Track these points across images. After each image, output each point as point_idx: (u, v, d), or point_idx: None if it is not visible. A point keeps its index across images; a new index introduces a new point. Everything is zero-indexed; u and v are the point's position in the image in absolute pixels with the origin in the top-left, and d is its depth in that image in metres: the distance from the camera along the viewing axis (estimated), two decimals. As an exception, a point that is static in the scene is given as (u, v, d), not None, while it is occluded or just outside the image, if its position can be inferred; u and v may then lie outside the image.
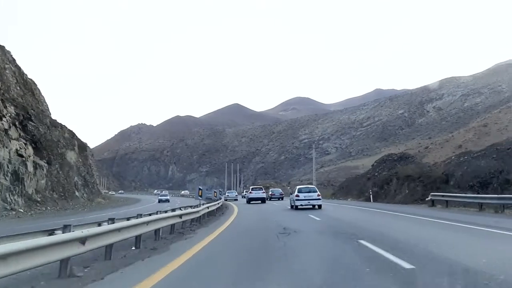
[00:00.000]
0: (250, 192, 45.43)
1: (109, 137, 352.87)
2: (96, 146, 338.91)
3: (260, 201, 41.83)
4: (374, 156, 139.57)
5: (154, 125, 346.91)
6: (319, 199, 26.50)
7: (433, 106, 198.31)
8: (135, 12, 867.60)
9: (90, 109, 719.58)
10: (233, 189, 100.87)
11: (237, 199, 55.82)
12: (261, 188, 48.69)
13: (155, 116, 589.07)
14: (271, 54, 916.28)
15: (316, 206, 26.09)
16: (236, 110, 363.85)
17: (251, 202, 41.80)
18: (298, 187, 29.60)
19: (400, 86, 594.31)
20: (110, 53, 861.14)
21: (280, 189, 58.00)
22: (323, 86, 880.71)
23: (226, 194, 58.98)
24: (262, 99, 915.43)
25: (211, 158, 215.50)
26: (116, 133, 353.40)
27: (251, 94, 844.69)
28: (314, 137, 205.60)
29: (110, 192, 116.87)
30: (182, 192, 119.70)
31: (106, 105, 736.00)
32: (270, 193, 52.41)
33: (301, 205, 26.10)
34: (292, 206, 27.47)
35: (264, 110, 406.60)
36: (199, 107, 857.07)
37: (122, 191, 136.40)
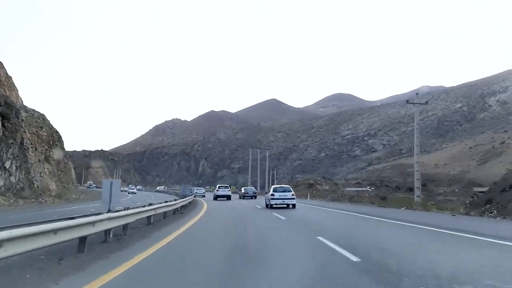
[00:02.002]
0: (217, 190, 47.06)
1: (143, 132, 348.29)
2: (131, 141, 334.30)
3: (225, 198, 44.24)
4: (434, 153, 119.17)
5: (189, 120, 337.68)
6: (293, 198, 26.83)
7: (497, 100, 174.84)
8: (175, 7, 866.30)
9: (127, 104, 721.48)
10: (268, 188, 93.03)
11: (204, 196, 57.04)
12: (227, 186, 51.29)
13: (190, 111, 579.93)
14: (311, 49, 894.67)
15: (291, 206, 26.43)
16: (273, 106, 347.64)
17: (218, 199, 43.76)
18: (273, 186, 30.05)
19: (449, 83, 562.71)
20: (149, 49, 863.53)
21: (253, 188, 56.98)
22: (366, 82, 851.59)
23: (195, 191, 59.12)
24: (301, 95, 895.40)
25: (244, 154, 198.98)
26: (151, 127, 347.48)
27: (290, 90, 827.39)
28: (359, 133, 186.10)
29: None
30: (158, 187, 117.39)
31: (144, 100, 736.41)
32: (243, 191, 51.99)
33: (276, 204, 26.37)
34: (267, 205, 27.57)
35: (302, 106, 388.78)
36: (236, 102, 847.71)
37: (135, 186, 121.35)
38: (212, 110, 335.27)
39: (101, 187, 59.15)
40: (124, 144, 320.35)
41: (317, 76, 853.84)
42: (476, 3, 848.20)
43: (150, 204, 16.09)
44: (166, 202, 18.93)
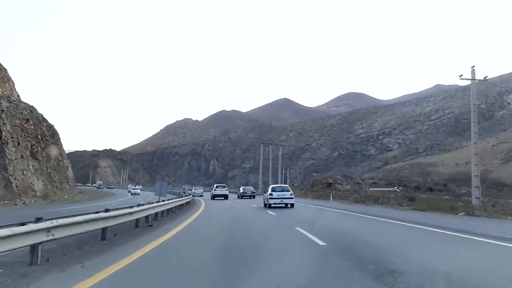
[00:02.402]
0: (215, 190, 47.48)
1: (155, 132, 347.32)
2: (143, 140, 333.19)
3: (223, 197, 44.91)
4: (455, 151, 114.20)
5: (200, 120, 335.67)
6: (292, 198, 26.88)
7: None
8: (186, 7, 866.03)
9: (139, 105, 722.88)
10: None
11: (202, 195, 56.96)
12: (225, 186, 51.91)
13: (201, 111, 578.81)
14: (322, 48, 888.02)
15: (289, 205, 26.51)
16: (285, 105, 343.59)
17: (215, 198, 44.58)
18: (271, 186, 29.69)
19: (463, 81, 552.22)
20: (161, 50, 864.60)
21: (252, 188, 56.22)
22: (378, 81, 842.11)
23: (193, 190, 59.98)
24: (312, 95, 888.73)
25: (255, 154, 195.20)
26: (162, 127, 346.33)
27: (301, 90, 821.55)
28: (373, 132, 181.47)
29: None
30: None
31: (156, 100, 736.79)
32: (241, 191, 51.09)
33: (274, 203, 26.44)
34: (265, 205, 27.62)
35: (314, 106, 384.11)
36: (247, 102, 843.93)
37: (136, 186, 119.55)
38: (223, 110, 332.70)
39: (112, 188, 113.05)
40: (135, 144, 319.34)
41: (328, 75, 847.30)
42: (488, 0, 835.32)
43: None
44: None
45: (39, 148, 34.80)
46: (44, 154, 35.45)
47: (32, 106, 38.94)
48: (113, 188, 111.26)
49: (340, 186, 47.56)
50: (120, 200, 40.33)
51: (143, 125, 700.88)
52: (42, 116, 39.96)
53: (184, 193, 40.03)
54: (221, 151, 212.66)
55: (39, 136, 35.60)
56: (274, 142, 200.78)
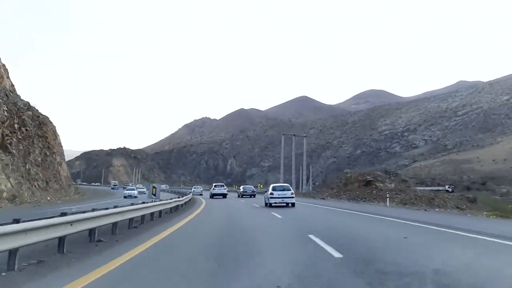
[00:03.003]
0: (213, 189, 48.49)
1: (173, 131, 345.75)
2: (161, 140, 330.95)
3: (221, 196, 45.59)
4: (489, 147, 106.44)
5: (218, 118, 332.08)
6: (293, 197, 26.67)
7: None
8: (204, 6, 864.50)
9: (159, 105, 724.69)
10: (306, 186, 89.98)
11: (202, 194, 58.18)
12: (223, 185, 53.21)
13: (220, 110, 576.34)
14: (342, 46, 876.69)
15: (290, 204, 26.34)
16: (304, 103, 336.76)
17: (214, 197, 45.26)
18: (272, 185, 29.66)
19: (486, 77, 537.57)
20: (181, 51, 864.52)
21: (252, 187, 56.35)
22: (398, 79, 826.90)
23: (193, 189, 62.10)
24: (332, 92, 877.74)
25: (275, 152, 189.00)
26: (180, 126, 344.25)
27: (321, 87, 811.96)
28: (397, 129, 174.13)
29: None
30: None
31: (175, 100, 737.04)
32: (242, 190, 51.60)
33: (275, 202, 26.18)
34: (266, 204, 27.55)
35: (334, 103, 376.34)
36: (265, 100, 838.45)
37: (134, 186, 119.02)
38: (242, 108, 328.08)
39: (129, 188, 65.19)
40: (153, 144, 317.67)
41: (348, 73, 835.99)
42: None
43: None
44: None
45: (13, 139, 29.34)
46: (21, 147, 29.94)
47: (15, 91, 33.85)
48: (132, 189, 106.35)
49: (381, 185, 39.20)
50: (115, 201, 35.30)
51: (161, 125, 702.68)
52: (28, 104, 34.79)
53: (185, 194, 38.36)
54: (239, 150, 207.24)
55: (16, 126, 30.09)
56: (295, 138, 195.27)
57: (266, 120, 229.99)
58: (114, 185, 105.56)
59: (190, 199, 31.44)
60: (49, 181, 33.69)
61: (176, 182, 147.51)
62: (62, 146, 46.80)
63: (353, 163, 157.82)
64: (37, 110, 38.17)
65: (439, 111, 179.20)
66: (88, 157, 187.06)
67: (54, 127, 43.89)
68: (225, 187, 51.40)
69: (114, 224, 10.62)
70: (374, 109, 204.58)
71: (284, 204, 26.35)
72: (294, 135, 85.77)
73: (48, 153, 36.25)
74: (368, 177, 42.07)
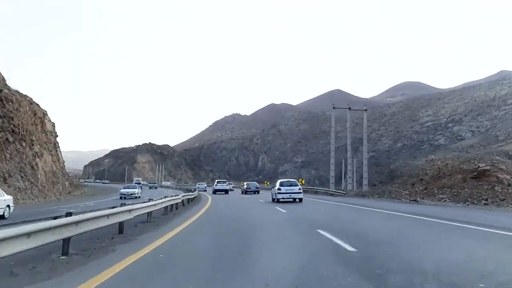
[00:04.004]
0: (216, 185, 50.72)
1: (203, 128, 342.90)
2: (191, 137, 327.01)
3: (224, 192, 47.96)
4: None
5: (248, 114, 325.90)
6: (300, 192, 26.66)
7: None
8: (234, 4, 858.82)
9: (190, 103, 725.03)
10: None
11: (206, 190, 57.07)
12: (225, 181, 56.92)
13: (250, 106, 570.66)
14: (375, 38, 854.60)
15: (297, 200, 26.30)
16: (337, 96, 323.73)
17: (216, 192, 47.43)
18: (279, 180, 29.64)
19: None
20: (211, 50, 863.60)
21: (256, 183, 54.22)
22: (434, 70, 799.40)
23: (197, 185, 63.27)
24: (366, 86, 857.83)
25: (308, 147, 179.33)
26: (211, 123, 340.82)
27: (354, 81, 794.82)
28: (440, 119, 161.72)
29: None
30: (164, 183, 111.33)
31: (205, 97, 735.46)
32: (245, 186, 50.38)
33: (283, 198, 26.14)
34: (273, 199, 27.41)
35: (369, 96, 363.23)
36: (297, 94, 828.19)
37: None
38: (272, 103, 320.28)
39: (155, 185, 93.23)
40: (183, 142, 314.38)
41: (382, 65, 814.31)
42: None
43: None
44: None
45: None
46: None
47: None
48: (156, 186, 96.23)
49: (504, 176, 26.73)
50: (98, 202, 30.51)
51: (192, 124, 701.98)
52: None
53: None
54: (270, 145, 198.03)
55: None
56: (329, 134, 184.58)
57: (298, 113, 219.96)
58: (137, 182, 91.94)
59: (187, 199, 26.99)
60: (9, 177, 26.00)
61: (204, 179, 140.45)
62: (53, 136, 39.31)
63: (394, 157, 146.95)
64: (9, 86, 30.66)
65: (486, 100, 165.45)
66: (116, 154, 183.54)
67: (43, 112, 36.40)
68: (227, 183, 54.40)
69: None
70: (414, 99, 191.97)
71: (292, 200, 26.37)
72: (349, 108, 64.35)
73: (11, 140, 28.51)
74: (480, 164, 29.05)
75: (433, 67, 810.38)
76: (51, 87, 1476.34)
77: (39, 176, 31.26)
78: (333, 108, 58.70)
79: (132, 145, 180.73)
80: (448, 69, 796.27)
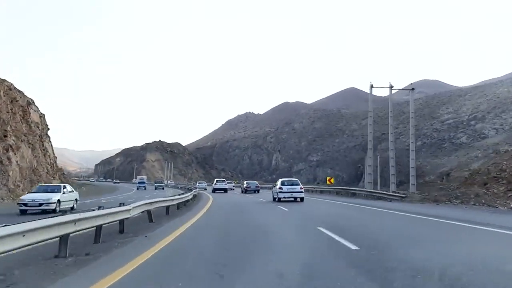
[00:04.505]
0: (215, 184, 53.05)
1: (216, 127, 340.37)
2: (204, 136, 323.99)
3: (222, 191, 50.27)
4: None
5: (262, 113, 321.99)
6: (302, 192, 26.64)
7: None
8: (248, 4, 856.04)
9: (203, 102, 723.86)
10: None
11: (206, 189, 59.52)
12: (224, 180, 59.55)
13: (263, 104, 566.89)
14: (391, 36, 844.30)
15: (298, 199, 26.30)
16: (353, 95, 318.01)
17: (216, 191, 49.58)
18: (281, 180, 29.51)
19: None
20: (223, 49, 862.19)
21: (256, 182, 56.31)
22: (452, 67, 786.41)
23: (197, 184, 65.29)
24: (382, 83, 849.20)
25: (323, 145, 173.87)
26: (224, 122, 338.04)
27: (370, 78, 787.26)
28: (462, 117, 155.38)
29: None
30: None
31: (218, 96, 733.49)
32: (245, 185, 51.45)
33: (284, 197, 26.14)
34: (274, 199, 27.56)
35: (385, 95, 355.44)
36: (311, 93, 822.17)
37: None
38: (286, 102, 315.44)
39: (162, 184, 77.21)
40: (196, 141, 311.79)
41: (398, 63, 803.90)
42: None
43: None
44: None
45: None
46: None
47: None
48: (163, 186, 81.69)
49: None
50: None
51: (205, 124, 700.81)
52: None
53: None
54: (284, 143, 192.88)
55: None
56: (345, 132, 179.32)
57: (313, 111, 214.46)
58: (140, 182, 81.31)
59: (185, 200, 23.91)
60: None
61: (215, 178, 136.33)
62: (39, 128, 35.01)
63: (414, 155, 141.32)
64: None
65: (510, 96, 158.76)
66: (127, 153, 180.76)
67: (28, 101, 32.11)
68: (226, 182, 57.06)
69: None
70: (434, 96, 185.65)
71: (293, 199, 26.31)
72: (391, 87, 49.16)
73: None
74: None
75: (450, 65, 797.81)
76: (67, 87, 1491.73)
77: (10, 173, 27.02)
78: (371, 87, 47.33)
79: (142, 143, 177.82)
80: (465, 67, 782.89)
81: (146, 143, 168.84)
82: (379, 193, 34.99)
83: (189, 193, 26.59)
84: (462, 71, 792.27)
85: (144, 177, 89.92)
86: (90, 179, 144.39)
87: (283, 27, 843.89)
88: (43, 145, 34.87)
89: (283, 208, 21.47)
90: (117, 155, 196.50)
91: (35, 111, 33.90)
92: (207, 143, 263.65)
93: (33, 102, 34.01)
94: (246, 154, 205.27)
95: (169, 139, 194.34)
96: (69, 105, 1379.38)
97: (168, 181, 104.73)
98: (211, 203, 27.47)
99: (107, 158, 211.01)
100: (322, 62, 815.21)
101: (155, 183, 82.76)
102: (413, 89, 47.21)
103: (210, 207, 23.36)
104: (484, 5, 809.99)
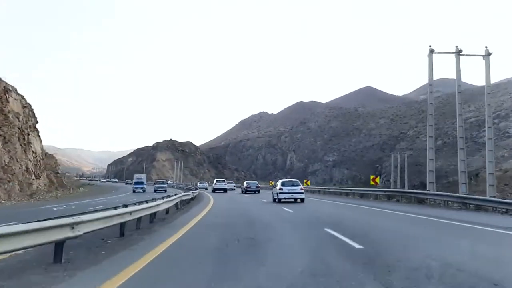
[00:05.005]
0: (215, 184, 55.03)
1: (230, 127, 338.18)
2: (217, 136, 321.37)
3: (222, 191, 51.95)
4: None
5: (276, 113, 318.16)
6: (302, 192, 26.17)
7: None
8: (260, 4, 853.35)
9: (216, 102, 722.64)
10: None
11: (207, 189, 62.16)
12: (224, 180, 60.61)
13: (278, 104, 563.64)
14: (405, 34, 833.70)
15: (299, 200, 25.84)
16: (368, 94, 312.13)
17: (216, 191, 51.51)
18: (281, 180, 29.38)
19: None
20: (236, 49, 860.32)
21: (256, 182, 55.50)
22: (471, 65, 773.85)
23: (198, 184, 68.53)
24: (397, 83, 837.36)
25: (340, 145, 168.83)
26: (237, 122, 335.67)
27: (384, 78, 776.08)
28: (484, 115, 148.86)
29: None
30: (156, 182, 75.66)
31: (231, 97, 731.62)
32: (245, 185, 50.97)
33: (284, 198, 25.71)
34: (274, 200, 27.12)
35: (401, 94, 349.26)
36: (326, 92, 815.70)
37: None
38: (301, 101, 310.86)
39: (163, 185, 61.87)
40: (210, 141, 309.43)
41: (413, 62, 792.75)
42: None
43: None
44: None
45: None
46: None
47: None
48: (164, 188, 64.05)
49: None
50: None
51: (218, 125, 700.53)
52: None
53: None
54: (299, 143, 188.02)
55: None
56: (362, 131, 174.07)
57: (329, 110, 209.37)
58: (138, 182, 64.97)
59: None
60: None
61: (229, 179, 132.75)
62: (19, 120, 31.02)
63: (435, 155, 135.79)
64: None
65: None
66: (139, 153, 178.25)
67: (7, 88, 28.23)
68: (225, 182, 58.23)
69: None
70: (454, 94, 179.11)
71: (293, 200, 25.87)
72: (460, 51, 29.71)
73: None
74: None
75: (469, 63, 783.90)
76: (85, 88, 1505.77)
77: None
78: (431, 52, 31.30)
79: (153, 143, 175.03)
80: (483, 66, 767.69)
81: (156, 142, 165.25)
82: (469, 198, 22.38)
83: (175, 197, 20.20)
84: (481, 70, 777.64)
85: (143, 176, 72.12)
86: (101, 179, 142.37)
87: (297, 27, 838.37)
88: (24, 139, 30.93)
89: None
90: (130, 155, 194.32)
91: (16, 99, 30.09)
92: (220, 143, 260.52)
93: (15, 89, 30.23)
94: (260, 154, 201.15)
95: (181, 139, 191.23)
96: (86, 107, 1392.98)
97: (169, 181, 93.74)
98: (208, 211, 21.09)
99: (119, 158, 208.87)
100: (337, 61, 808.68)
101: (155, 184, 67.29)
102: (490, 54, 31.42)
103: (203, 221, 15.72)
104: (497, 3, 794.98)
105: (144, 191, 58.93)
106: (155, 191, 55.28)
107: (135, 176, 69.58)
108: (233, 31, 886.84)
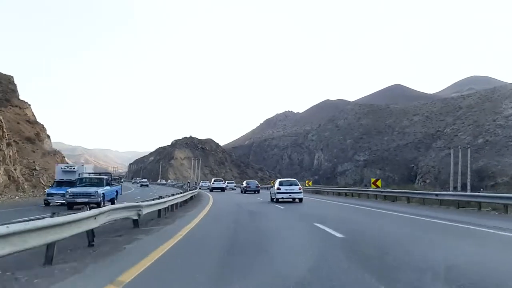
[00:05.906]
0: (213, 183, 58.16)
1: (254, 126, 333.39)
2: (242, 136, 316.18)
3: (220, 190, 53.73)
4: None
5: (301, 112, 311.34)
6: (300, 192, 26.14)
7: None
8: (286, 2, 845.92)
9: (242, 102, 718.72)
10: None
11: (209, 188, 60.22)
12: (222, 180, 65.82)
13: (303, 103, 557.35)
14: (438, 31, 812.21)
15: (297, 200, 25.78)
16: (397, 92, 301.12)
17: (213, 190, 53.30)
18: (279, 180, 29.64)
19: None
20: (263, 49, 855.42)
21: (256, 182, 54.97)
22: (504, 62, 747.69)
23: (201, 184, 69.30)
24: (427, 81, 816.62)
25: (371, 143, 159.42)
26: (262, 122, 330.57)
27: (414, 76, 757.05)
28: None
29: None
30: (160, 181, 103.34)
31: (257, 96, 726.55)
32: (245, 185, 50.27)
33: (282, 198, 25.74)
34: (272, 199, 27.09)
35: (432, 92, 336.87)
36: (353, 90, 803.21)
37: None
38: (327, 99, 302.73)
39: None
40: (234, 140, 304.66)
41: (444, 59, 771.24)
42: None
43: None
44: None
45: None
46: None
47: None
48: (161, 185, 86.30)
49: None
50: None
51: (244, 124, 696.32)
52: None
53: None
54: (327, 142, 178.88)
55: None
56: (394, 129, 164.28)
57: (359, 107, 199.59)
58: (143, 181, 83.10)
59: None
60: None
61: (252, 178, 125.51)
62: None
63: (475, 155, 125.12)
64: None
65: None
66: (159, 152, 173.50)
67: None
68: (223, 181, 62.47)
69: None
70: (494, 90, 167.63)
71: (291, 200, 25.77)
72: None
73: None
74: None
75: (499, 62, 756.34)
76: (113, 91, 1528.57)
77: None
78: None
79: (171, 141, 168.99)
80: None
81: (175, 140, 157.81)
82: None
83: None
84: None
85: (145, 179, 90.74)
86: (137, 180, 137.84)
87: (323, 25, 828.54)
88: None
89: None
90: (151, 154, 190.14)
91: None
92: (244, 143, 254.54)
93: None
94: (285, 153, 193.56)
95: (201, 136, 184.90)
96: (115, 107, 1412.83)
97: (168, 181, 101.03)
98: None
99: (141, 158, 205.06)
100: (365, 58, 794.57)
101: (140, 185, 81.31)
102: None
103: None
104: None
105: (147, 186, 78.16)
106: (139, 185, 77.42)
107: (133, 179, 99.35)
108: (260, 29, 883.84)
